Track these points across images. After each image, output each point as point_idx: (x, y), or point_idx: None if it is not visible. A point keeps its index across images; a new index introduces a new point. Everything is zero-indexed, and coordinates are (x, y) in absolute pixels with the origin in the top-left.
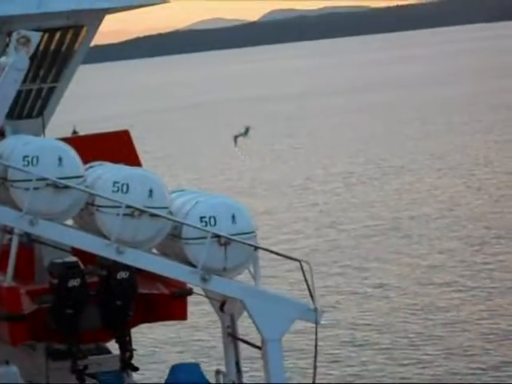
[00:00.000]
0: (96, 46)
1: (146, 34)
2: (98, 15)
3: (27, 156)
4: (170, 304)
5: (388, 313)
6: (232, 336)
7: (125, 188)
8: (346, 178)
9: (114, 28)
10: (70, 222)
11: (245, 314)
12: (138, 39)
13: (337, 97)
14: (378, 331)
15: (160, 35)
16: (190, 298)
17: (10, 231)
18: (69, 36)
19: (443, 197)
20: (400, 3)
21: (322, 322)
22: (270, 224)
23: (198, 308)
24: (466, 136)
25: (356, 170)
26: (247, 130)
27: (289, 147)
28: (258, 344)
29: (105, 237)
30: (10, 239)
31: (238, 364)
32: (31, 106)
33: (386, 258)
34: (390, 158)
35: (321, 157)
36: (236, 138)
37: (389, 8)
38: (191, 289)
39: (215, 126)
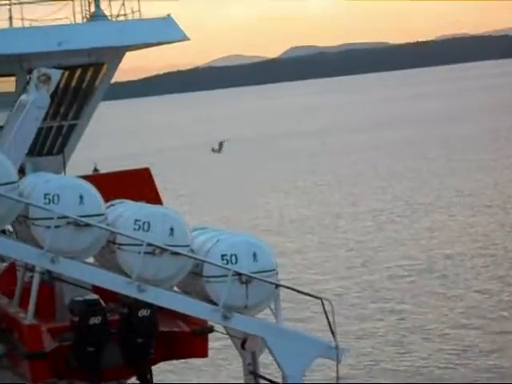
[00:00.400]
0: (116, 83)
1: (166, 70)
2: (118, 53)
3: (48, 194)
4: (190, 341)
5: (425, 357)
6: (253, 373)
7: (146, 226)
8: (375, 216)
9: (133, 65)
10: (90, 259)
11: (266, 351)
12: (157, 76)
13: (357, 133)
14: (411, 376)
15: (180, 72)
16: (210, 335)
17: (32, 269)
18: (89, 73)
19: (477, 235)
20: (420, 39)
21: (350, 361)
22: (300, 263)
23: (219, 345)
24: (495, 172)
25: (384, 208)
26: (221, 145)
27: (313, 184)
28: (280, 381)
29: (126, 275)
30: (31, 277)
31: None
32: (52, 143)
33: (421, 299)
34: (416, 195)
35: (346, 194)
36: (213, 151)
37: (408, 44)
38: (212, 326)
39: (238, 163)
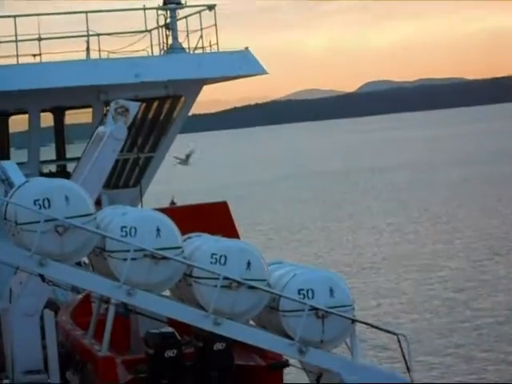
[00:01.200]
0: (194, 116)
1: (244, 103)
2: (196, 85)
3: (125, 226)
4: (266, 375)
5: None
6: None
7: (223, 260)
8: (470, 253)
9: (211, 98)
10: (166, 292)
11: None
12: (235, 109)
13: (444, 168)
14: None
15: (257, 105)
16: (285, 370)
17: (107, 301)
18: (166, 106)
19: None
20: (497, 75)
21: None
22: (399, 303)
23: (294, 379)
24: None
25: (478, 246)
26: (188, 156)
27: (405, 220)
28: None
29: (202, 308)
30: (106, 309)
31: None
32: (128, 175)
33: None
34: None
35: (440, 231)
36: (179, 162)
37: (485, 80)
38: (287, 360)
39: (325, 198)
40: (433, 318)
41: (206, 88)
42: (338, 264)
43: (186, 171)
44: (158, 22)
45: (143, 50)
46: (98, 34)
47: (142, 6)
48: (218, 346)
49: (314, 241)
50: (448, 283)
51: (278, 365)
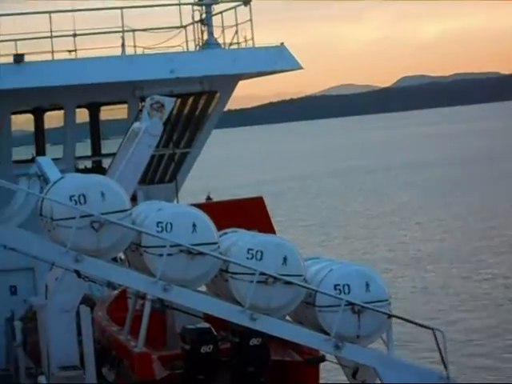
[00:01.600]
0: (229, 111)
1: (279, 99)
2: (231, 81)
3: (161, 222)
4: (302, 371)
5: None
6: None
7: (259, 255)
8: None
9: (247, 93)
10: (202, 287)
11: (378, 381)
12: (271, 104)
13: (481, 163)
14: None
15: (292, 100)
16: (322, 365)
17: (143, 297)
18: (202, 101)
19: None
20: None
21: None
22: (444, 300)
23: (329, 375)
24: None
25: None
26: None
27: (448, 216)
28: None
29: (238, 303)
30: (142, 304)
31: None
32: (164, 171)
33: None
34: None
35: (485, 227)
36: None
37: None
38: (323, 355)
39: (361, 192)
40: (479, 316)
41: (241, 83)
42: (381, 260)
43: (222, 167)
44: (193, 18)
45: (178, 45)
46: (134, 30)
47: (177, 2)
48: (254, 341)
49: (355, 237)
50: (495, 280)
51: (314, 360)
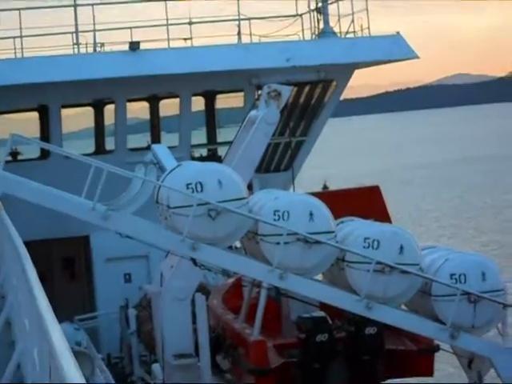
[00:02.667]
0: (344, 100)
1: (395, 88)
2: (347, 70)
3: (278, 210)
4: (417, 360)
5: None
6: None
7: (376, 244)
8: None
9: (361, 82)
10: (318, 276)
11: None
12: (387, 93)
13: None
14: None
15: (408, 90)
16: (436, 354)
17: (258, 285)
18: (318, 90)
19: None
20: None
21: None
22: None
23: (442, 364)
24: None
25: None
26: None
27: None
28: None
29: (354, 292)
30: (258, 293)
31: None
32: (280, 159)
33: None
34: None
35: None
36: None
37: None
38: (438, 345)
39: (489, 182)
40: None
41: (356, 72)
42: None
43: (340, 154)
44: (309, 6)
45: (294, 34)
46: (249, 18)
47: None
48: (370, 330)
49: (483, 228)
50: None
51: (429, 349)
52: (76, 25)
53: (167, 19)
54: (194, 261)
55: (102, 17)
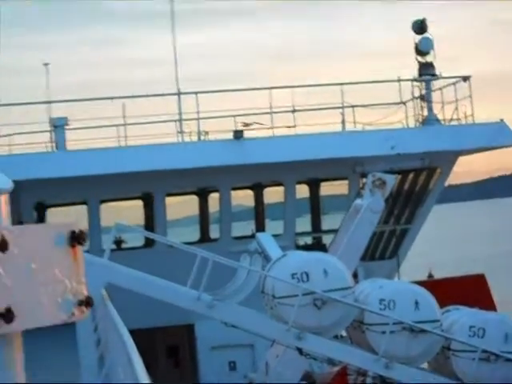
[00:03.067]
0: (448, 186)
1: (499, 173)
2: (452, 157)
3: (384, 300)
4: None
5: None
6: None
7: (481, 332)
8: None
9: (465, 168)
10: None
11: None
12: (491, 179)
13: None
14: None
15: None
16: None
17: (364, 373)
18: (422, 177)
19: None
20: None
21: None
22: None
23: None
24: None
25: None
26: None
27: None
28: None
29: (457, 378)
30: (363, 381)
31: None
32: (384, 247)
33: None
34: None
35: None
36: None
37: None
38: None
39: None
40: None
41: (461, 158)
42: None
43: (443, 242)
44: (413, 94)
45: (398, 121)
46: (353, 106)
47: (397, 78)
48: None
49: None
50: None
51: None
52: (180, 113)
53: (271, 107)
54: (299, 350)
55: (206, 105)
